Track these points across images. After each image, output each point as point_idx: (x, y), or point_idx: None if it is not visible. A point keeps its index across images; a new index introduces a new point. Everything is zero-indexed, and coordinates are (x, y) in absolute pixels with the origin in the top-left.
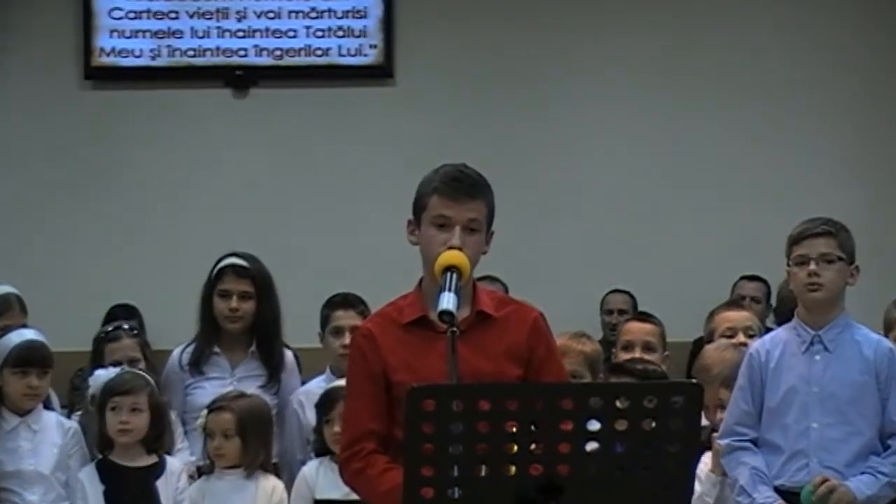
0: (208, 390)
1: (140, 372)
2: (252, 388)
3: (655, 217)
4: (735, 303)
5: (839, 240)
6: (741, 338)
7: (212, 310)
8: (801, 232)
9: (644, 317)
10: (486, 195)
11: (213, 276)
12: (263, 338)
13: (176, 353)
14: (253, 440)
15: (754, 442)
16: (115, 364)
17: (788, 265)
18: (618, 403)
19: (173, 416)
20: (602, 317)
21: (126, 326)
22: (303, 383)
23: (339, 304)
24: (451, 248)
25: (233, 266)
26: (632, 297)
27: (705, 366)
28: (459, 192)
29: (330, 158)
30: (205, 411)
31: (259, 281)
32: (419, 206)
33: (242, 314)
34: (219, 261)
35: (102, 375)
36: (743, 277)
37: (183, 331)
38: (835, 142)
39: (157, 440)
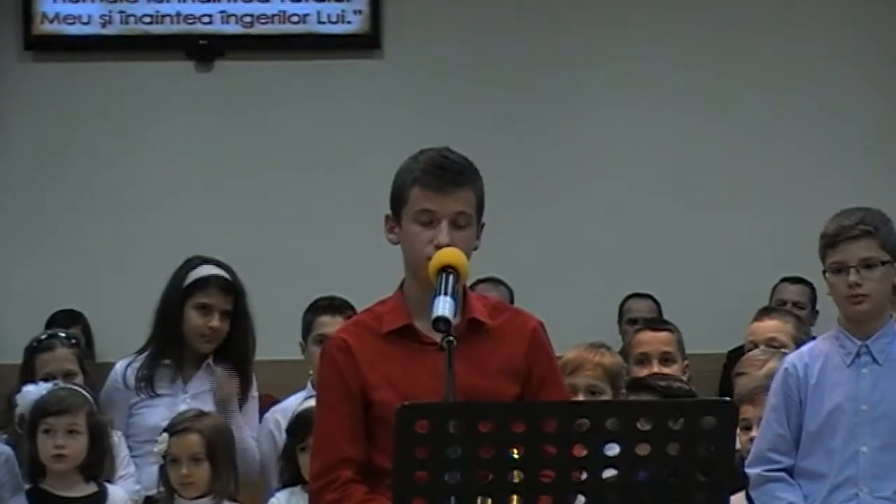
0: (158, 410)
1: (76, 387)
2: (208, 406)
3: (683, 212)
4: (767, 311)
5: (880, 238)
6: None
7: (178, 322)
8: (835, 233)
9: (657, 324)
10: (474, 183)
11: (188, 285)
12: (235, 362)
13: (119, 367)
14: (223, 465)
15: (789, 471)
16: (47, 378)
17: (825, 272)
18: (639, 425)
19: (115, 437)
20: (622, 326)
21: (62, 335)
22: (279, 401)
23: (325, 309)
24: (438, 246)
25: (217, 278)
26: (656, 302)
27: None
28: (444, 181)
29: (308, 141)
30: (164, 435)
31: (239, 297)
32: (399, 200)
33: (220, 334)
34: (188, 265)
35: (32, 392)
36: (784, 280)
37: (137, 341)
38: (882, 130)
39: (97, 466)
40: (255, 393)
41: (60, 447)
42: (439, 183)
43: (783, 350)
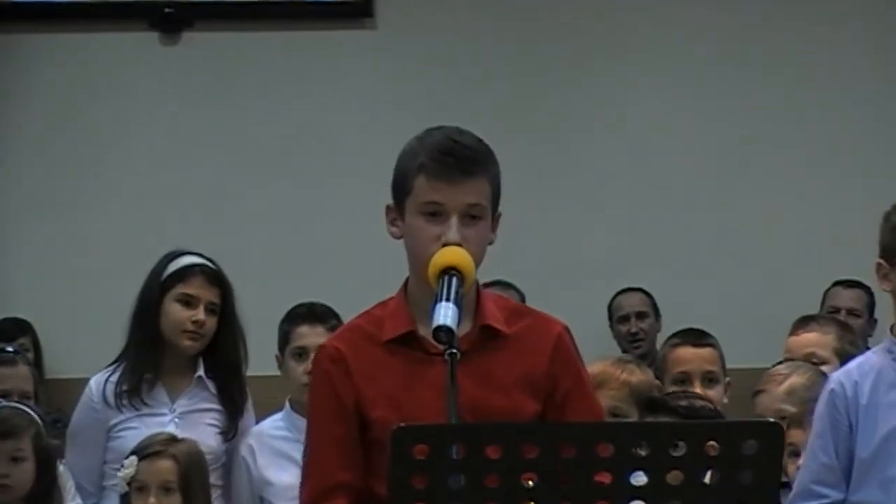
0: (142, 432)
1: (22, 407)
2: (200, 426)
3: (719, 204)
4: (805, 321)
5: None
6: None
7: (156, 320)
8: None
9: (698, 339)
10: (488, 169)
11: (168, 276)
12: (225, 370)
13: (95, 384)
14: (197, 497)
15: None
16: (2, 395)
17: (877, 273)
18: (671, 450)
19: (61, 467)
20: (614, 327)
21: (10, 349)
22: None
23: (303, 318)
24: (447, 244)
25: (202, 267)
26: (647, 294)
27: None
28: (453, 169)
29: (290, 124)
30: (132, 458)
31: (227, 293)
32: (402, 189)
33: (206, 331)
34: (169, 257)
35: None
36: (837, 283)
37: (93, 355)
38: None
39: (45, 497)
40: (250, 410)
41: (4, 476)
42: (448, 172)
43: (824, 366)
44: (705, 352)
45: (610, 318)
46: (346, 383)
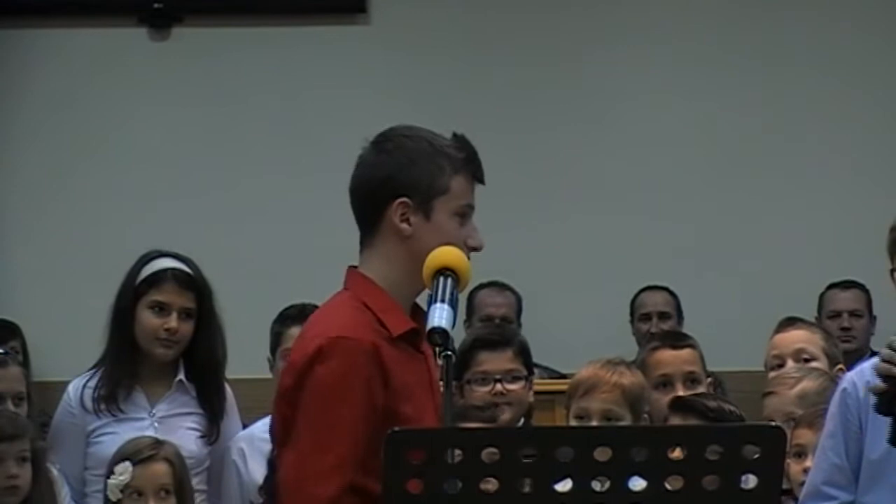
0: (122, 437)
1: (17, 411)
2: (180, 430)
3: (714, 210)
4: (792, 320)
5: None
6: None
7: (131, 326)
8: None
9: (678, 340)
10: None
11: (141, 282)
12: (203, 373)
13: (73, 389)
14: (189, 498)
15: None
16: None
17: (893, 273)
18: (670, 454)
19: (54, 471)
20: (635, 325)
21: (1, 350)
22: (245, 426)
23: (294, 319)
24: (475, 248)
25: (174, 272)
26: (672, 294)
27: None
28: (482, 172)
29: (282, 122)
30: (126, 464)
31: (203, 296)
32: (431, 188)
33: (180, 338)
34: (143, 260)
35: None
36: (832, 286)
37: (81, 357)
38: None
39: (42, 499)
40: (233, 409)
41: (14, 477)
42: (482, 174)
43: (814, 363)
44: (685, 353)
45: (632, 315)
46: (379, 382)
